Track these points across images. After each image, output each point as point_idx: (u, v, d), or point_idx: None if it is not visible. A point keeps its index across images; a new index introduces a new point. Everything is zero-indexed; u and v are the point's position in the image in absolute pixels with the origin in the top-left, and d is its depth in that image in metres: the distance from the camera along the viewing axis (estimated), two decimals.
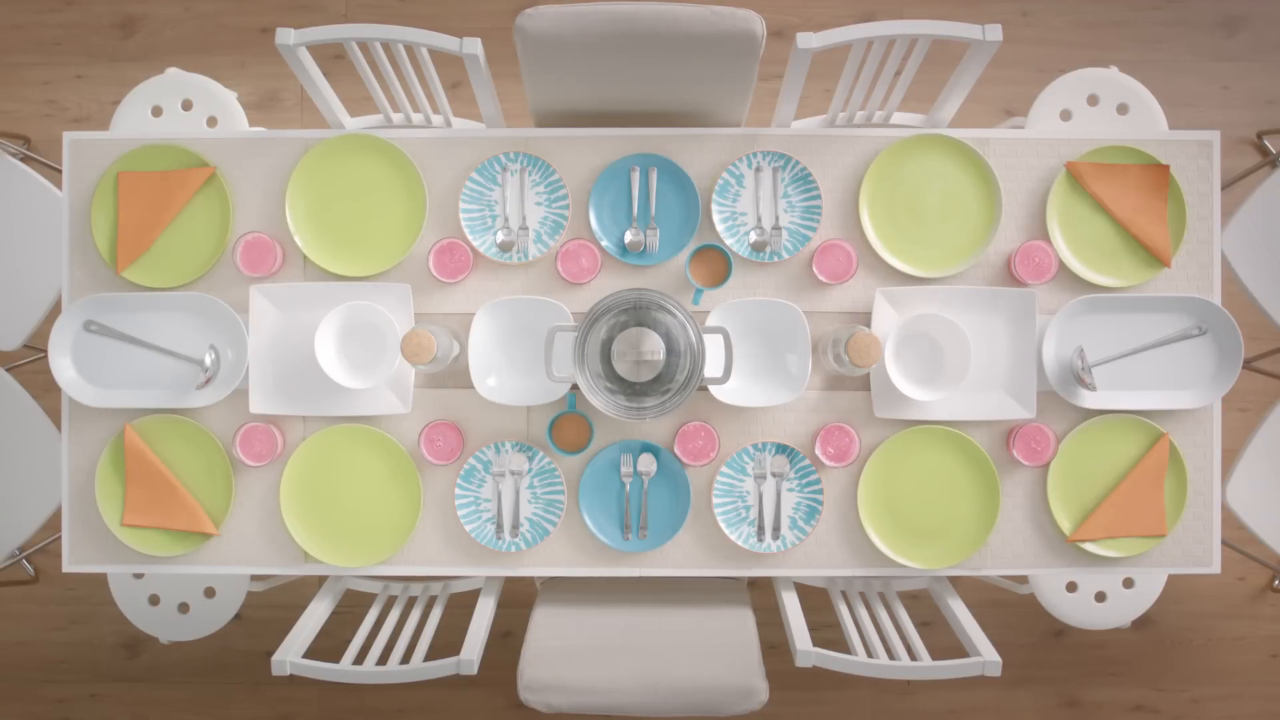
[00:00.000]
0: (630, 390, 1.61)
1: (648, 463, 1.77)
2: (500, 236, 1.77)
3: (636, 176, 1.78)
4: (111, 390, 1.78)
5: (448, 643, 2.45)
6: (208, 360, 1.71)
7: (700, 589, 1.97)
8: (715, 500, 1.77)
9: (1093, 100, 2.08)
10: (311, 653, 2.48)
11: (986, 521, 1.77)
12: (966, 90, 1.77)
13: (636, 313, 1.61)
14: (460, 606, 2.41)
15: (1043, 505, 1.79)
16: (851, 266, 1.74)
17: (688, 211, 1.78)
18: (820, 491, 1.77)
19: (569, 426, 1.76)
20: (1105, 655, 2.59)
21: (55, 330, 1.76)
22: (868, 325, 1.79)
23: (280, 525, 1.79)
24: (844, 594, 1.93)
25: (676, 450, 1.75)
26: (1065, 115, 2.08)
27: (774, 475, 1.77)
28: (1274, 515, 2.07)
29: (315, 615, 1.80)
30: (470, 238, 1.77)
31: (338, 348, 1.72)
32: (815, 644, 2.21)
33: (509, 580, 2.51)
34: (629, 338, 1.60)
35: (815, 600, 2.48)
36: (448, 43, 1.64)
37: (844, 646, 2.52)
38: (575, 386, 1.74)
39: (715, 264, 1.75)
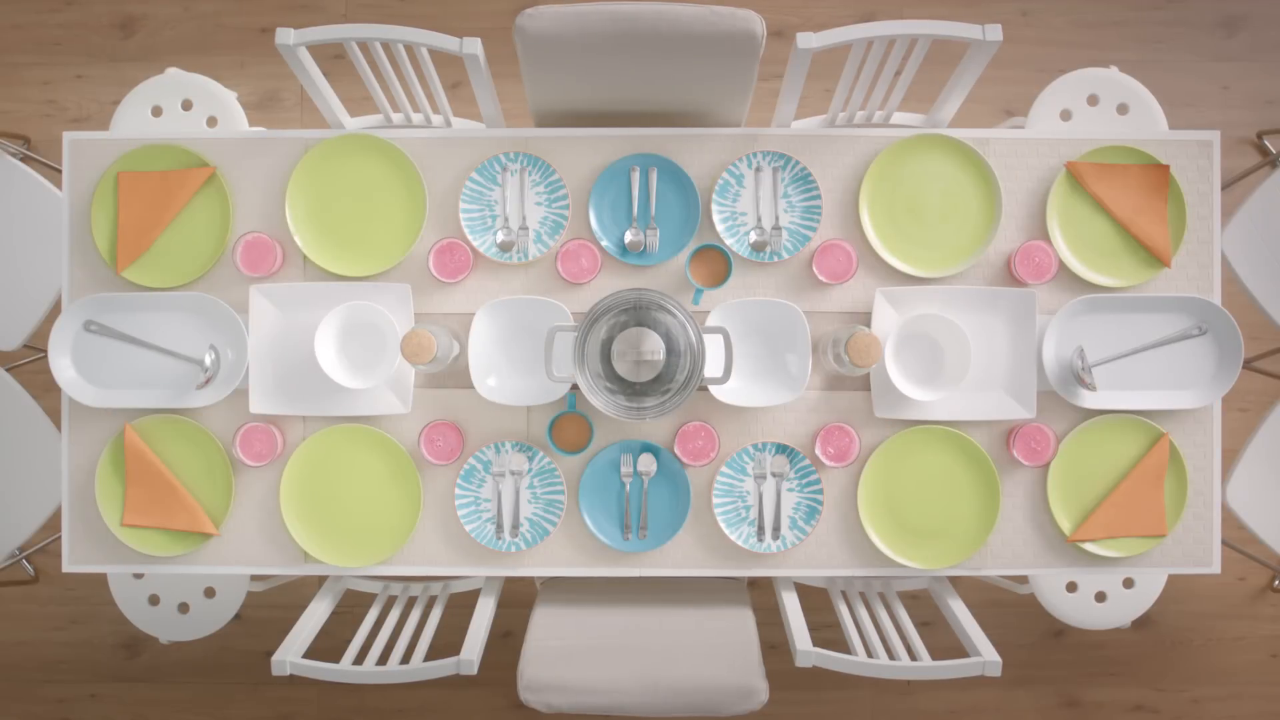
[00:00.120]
0: (630, 390, 1.61)
1: (648, 463, 1.77)
2: (500, 236, 1.77)
3: (636, 176, 1.78)
4: (111, 390, 1.78)
5: (448, 643, 2.45)
6: (208, 360, 1.71)
7: (700, 589, 1.97)
8: (715, 500, 1.77)
9: (1093, 100, 2.08)
10: (311, 653, 2.48)
11: (986, 521, 1.77)
12: (966, 90, 1.77)
13: (636, 313, 1.60)
14: (460, 606, 2.41)
15: (1043, 505, 1.79)
16: (851, 266, 1.74)
17: (688, 211, 1.78)
18: (820, 491, 1.77)
19: (569, 426, 1.76)
20: (1105, 655, 2.59)
21: (55, 330, 1.76)
22: (868, 325, 1.79)
23: (280, 525, 1.79)
24: (844, 594, 1.93)
25: (676, 450, 1.75)
26: (1065, 115, 2.08)
27: (774, 475, 1.77)
28: (1274, 515, 2.07)
29: (315, 615, 1.80)
30: (470, 238, 1.77)
31: (338, 348, 1.72)
32: (815, 644, 2.21)
33: (509, 580, 2.51)
34: (629, 338, 1.60)
35: (815, 600, 2.49)
36: (448, 43, 1.64)
37: (844, 646, 2.52)
38: (575, 386, 1.74)
39: (715, 264, 1.75)
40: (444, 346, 1.63)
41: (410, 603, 2.04)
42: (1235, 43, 2.61)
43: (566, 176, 1.79)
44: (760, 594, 2.57)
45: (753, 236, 1.77)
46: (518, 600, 2.58)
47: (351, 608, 2.56)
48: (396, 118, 2.00)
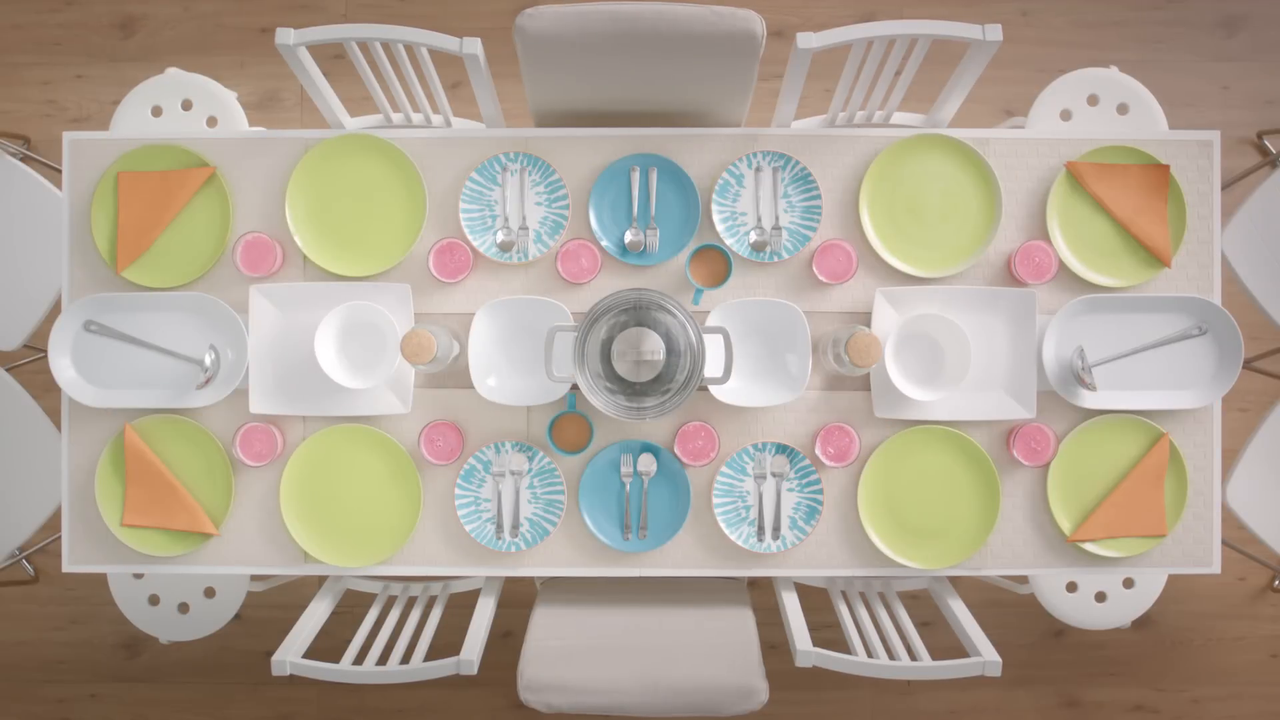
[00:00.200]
0: (630, 390, 1.61)
1: (648, 463, 1.77)
2: (500, 236, 1.77)
3: (636, 176, 1.78)
4: (111, 390, 1.78)
5: (448, 643, 2.45)
6: (208, 360, 1.71)
7: (700, 589, 1.97)
8: (715, 500, 1.77)
9: (1093, 100, 2.08)
10: (311, 653, 2.48)
11: (986, 521, 1.77)
12: (966, 90, 1.77)
13: (636, 313, 1.60)
14: (460, 606, 2.41)
15: (1043, 505, 1.79)
16: (851, 266, 1.74)
17: (688, 211, 1.78)
18: (820, 491, 1.77)
19: (569, 426, 1.76)
20: (1105, 655, 2.59)
21: (55, 330, 1.76)
22: (868, 325, 1.79)
23: (280, 525, 1.79)
24: (844, 594, 1.93)
25: (676, 450, 1.75)
26: (1065, 115, 2.08)
27: (774, 475, 1.77)
28: (1274, 515, 2.07)
29: (315, 615, 1.80)
30: (470, 238, 1.77)
31: (338, 348, 1.72)
32: (815, 644, 2.21)
33: (509, 580, 2.51)
34: (629, 338, 1.60)
35: (815, 600, 2.48)
36: (448, 43, 1.64)
37: (844, 646, 2.52)
38: (575, 386, 1.74)
39: (715, 264, 1.75)
40: (444, 346, 1.63)
41: (410, 603, 2.04)
42: (1235, 43, 2.61)
43: (566, 176, 1.79)
44: (760, 594, 2.57)
45: (753, 236, 1.77)
46: (518, 600, 2.58)
47: (351, 608, 2.56)
48: (396, 118, 2.00)
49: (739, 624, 1.79)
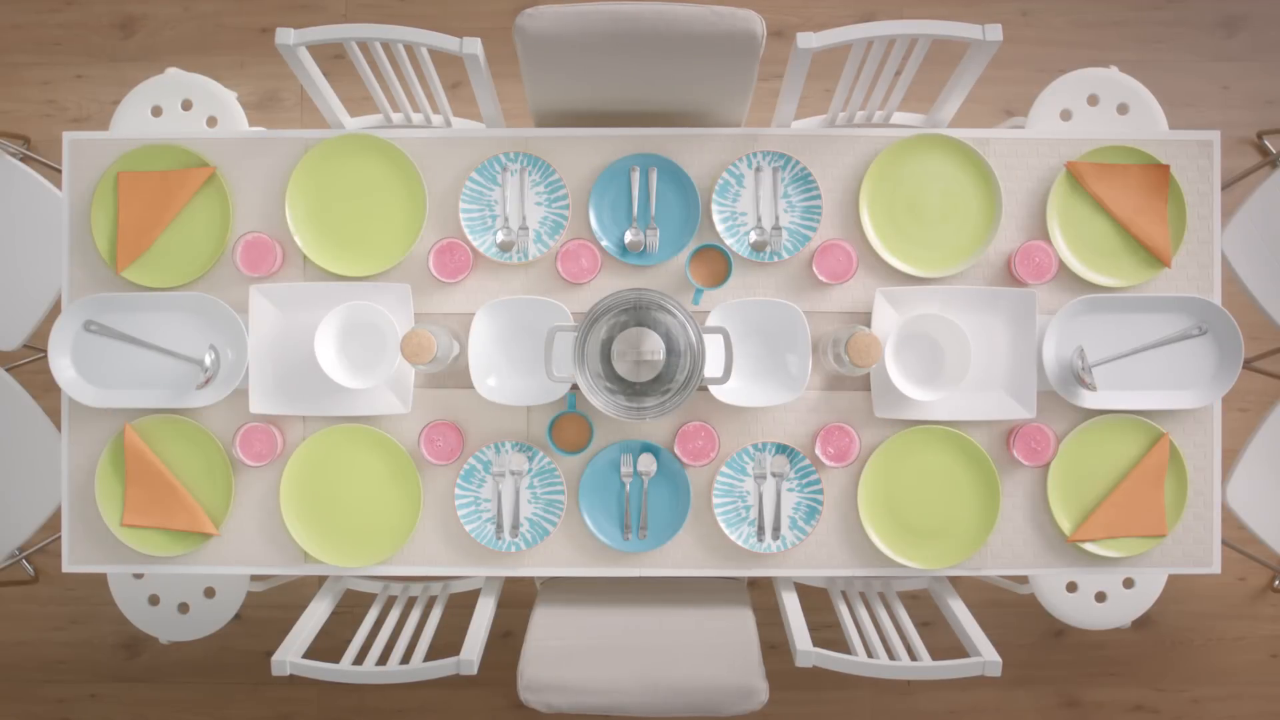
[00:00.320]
0: (630, 390, 1.61)
1: (648, 463, 1.77)
2: (500, 236, 1.77)
3: (636, 176, 1.78)
4: (111, 390, 1.78)
5: (448, 643, 2.45)
6: (208, 360, 1.71)
7: (700, 589, 1.97)
8: (715, 500, 1.77)
9: (1093, 100, 2.08)
10: (311, 653, 2.48)
11: (986, 521, 1.77)
12: (966, 90, 1.77)
13: (636, 313, 1.60)
14: (460, 606, 2.41)
15: (1043, 505, 1.79)
16: (851, 266, 1.74)
17: (688, 211, 1.78)
18: (820, 491, 1.77)
19: (569, 426, 1.76)
20: (1105, 655, 2.59)
21: (55, 330, 1.76)
22: (868, 325, 1.79)
23: (280, 525, 1.79)
24: (844, 594, 1.93)
25: (676, 450, 1.75)
26: (1065, 115, 2.08)
27: (774, 475, 1.77)
28: (1274, 515, 2.07)
29: (315, 615, 1.80)
30: (470, 238, 1.77)
31: (338, 348, 1.72)
32: (815, 644, 2.21)
33: (509, 580, 2.51)
34: (629, 338, 1.60)
35: (815, 600, 2.48)
36: (448, 43, 1.64)
37: (844, 646, 2.52)
38: (575, 386, 1.74)
39: (715, 264, 1.75)
40: (444, 346, 1.63)
41: (410, 603, 2.04)
42: (1235, 43, 2.61)
43: (566, 176, 1.79)
44: (760, 594, 2.57)
45: (753, 236, 1.77)
46: (518, 600, 2.58)
47: (351, 608, 2.56)
48: (396, 118, 2.00)
49: (739, 624, 1.79)
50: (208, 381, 1.71)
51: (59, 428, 1.99)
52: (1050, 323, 1.75)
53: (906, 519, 1.77)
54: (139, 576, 2.08)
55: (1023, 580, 2.25)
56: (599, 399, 1.59)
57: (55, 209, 2.11)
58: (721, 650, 1.70)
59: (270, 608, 2.60)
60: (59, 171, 2.43)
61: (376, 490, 1.78)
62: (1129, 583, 2.05)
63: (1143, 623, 2.58)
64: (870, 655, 1.69)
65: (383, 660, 2.41)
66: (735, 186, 1.78)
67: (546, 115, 1.91)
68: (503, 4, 2.65)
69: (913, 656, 2.39)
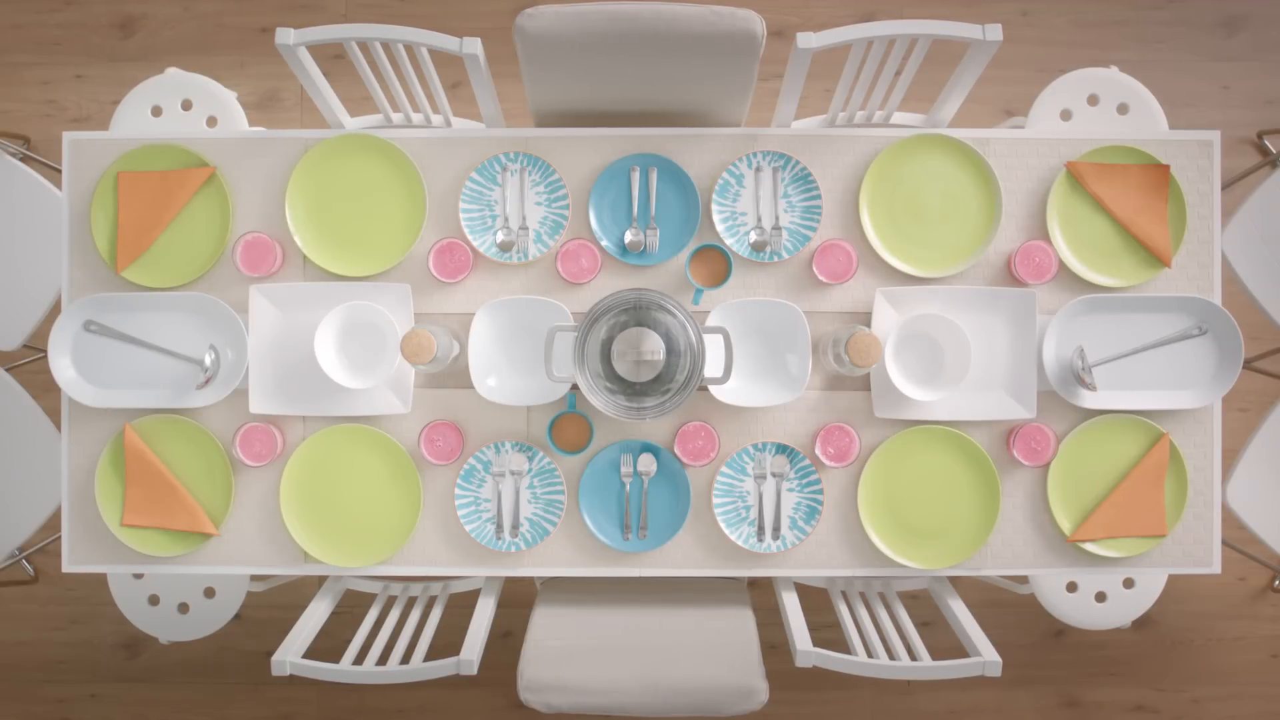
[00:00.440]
0: (630, 390, 1.61)
1: (648, 463, 1.77)
2: (500, 236, 1.77)
3: (636, 176, 1.78)
4: (111, 390, 1.78)
5: (448, 643, 2.45)
6: (208, 360, 1.71)
7: (700, 589, 1.97)
8: (715, 500, 1.77)
9: (1093, 100, 2.08)
10: (311, 653, 2.48)
11: (986, 521, 1.77)
12: (966, 90, 1.77)
13: (636, 313, 1.60)
14: (460, 606, 2.41)
15: (1043, 505, 1.79)
16: (851, 266, 1.74)
17: (688, 211, 1.78)
18: (820, 491, 1.77)
19: (569, 426, 1.76)
20: (1105, 655, 2.59)
21: (55, 330, 1.76)
22: (868, 325, 1.79)
23: (280, 525, 1.79)
24: (844, 594, 1.93)
25: (676, 450, 1.75)
26: (1065, 115, 2.08)
27: (774, 475, 1.77)
28: (1274, 515, 2.07)
29: (315, 615, 1.80)
30: (470, 238, 1.77)
31: (338, 348, 1.72)
32: (815, 644, 2.21)
33: (509, 580, 2.51)
34: (629, 338, 1.60)
35: (815, 600, 2.49)
36: (448, 43, 1.64)
37: (844, 646, 2.52)
38: (575, 386, 1.74)
39: (715, 264, 1.75)
40: (444, 346, 1.63)
41: (410, 603, 2.04)
42: (1235, 43, 2.61)
43: (566, 176, 1.79)
44: (760, 594, 2.57)
45: (753, 236, 1.77)
46: (518, 600, 2.58)
47: (351, 608, 2.56)
48: (396, 118, 2.00)
49: (739, 624, 1.79)
50: (208, 381, 1.71)
51: (59, 428, 1.99)
52: (1050, 323, 1.75)
53: (906, 519, 1.77)
54: (139, 576, 2.08)
55: (1023, 580, 2.25)
56: (599, 399, 1.59)
57: (55, 209, 2.11)
58: (721, 650, 1.70)
59: (270, 608, 2.60)
60: (59, 171, 2.43)
61: (376, 490, 1.78)
62: (1129, 583, 2.05)
63: (1143, 623, 2.58)
64: (870, 655, 1.69)
65: (383, 660, 2.41)
66: (735, 186, 1.78)
67: (546, 115, 1.91)
68: (503, 4, 2.65)
69: (913, 656, 2.39)
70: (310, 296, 1.76)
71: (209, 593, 2.07)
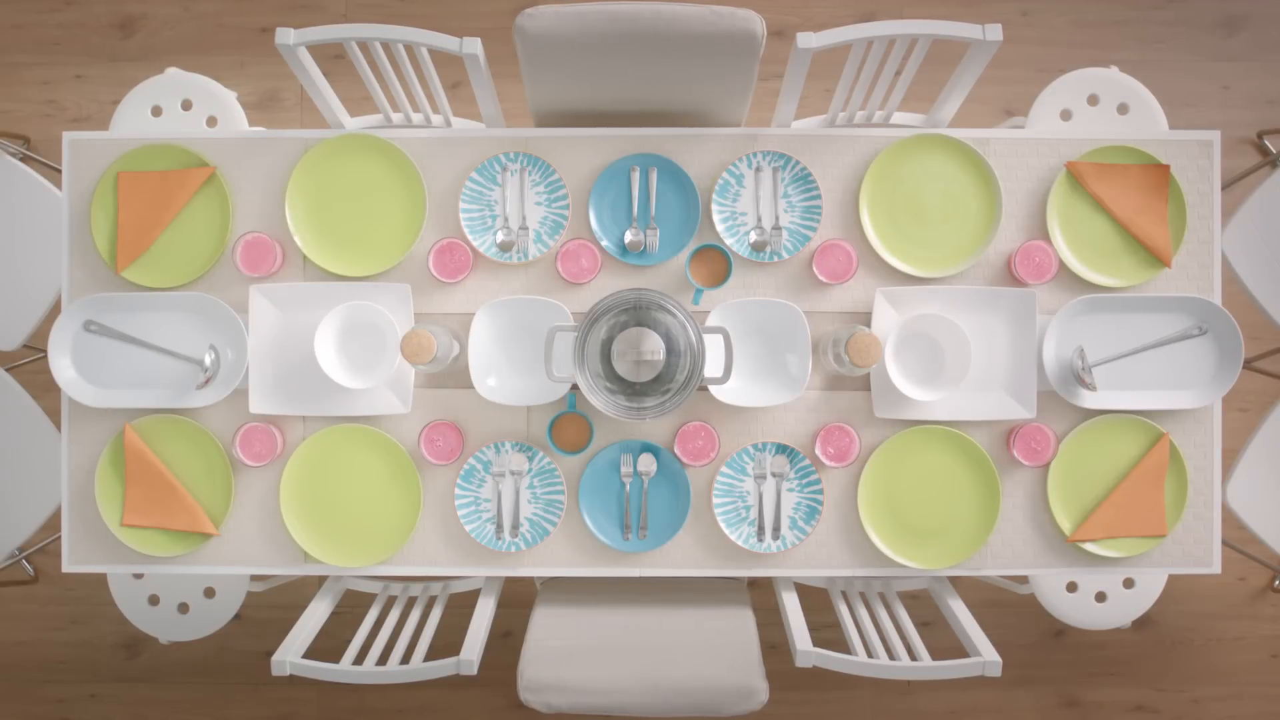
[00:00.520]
0: (630, 390, 1.61)
1: (648, 463, 1.77)
2: (500, 236, 1.77)
3: (636, 176, 1.78)
4: (111, 390, 1.78)
5: (448, 643, 2.45)
6: (207, 360, 1.71)
7: (700, 589, 1.97)
8: (715, 500, 1.77)
9: (1093, 100, 2.08)
10: (311, 653, 2.48)
11: (986, 521, 1.77)
12: (966, 90, 1.77)
13: (636, 313, 1.60)
14: (460, 606, 2.41)
15: (1043, 505, 1.79)
16: (851, 266, 1.74)
17: (688, 211, 1.78)
18: (820, 491, 1.77)
19: (569, 426, 1.76)
20: (1105, 655, 2.59)
21: (55, 330, 1.76)
22: (868, 325, 1.79)
23: (280, 525, 1.79)
24: (844, 594, 1.93)
25: (676, 450, 1.75)
26: (1065, 115, 2.08)
27: (774, 475, 1.77)
28: (1274, 515, 2.07)
29: (315, 615, 1.80)
30: (470, 238, 1.77)
31: (338, 348, 1.72)
32: (815, 644, 2.21)
33: (509, 580, 2.51)
34: (629, 338, 1.60)
35: (815, 600, 2.49)
36: (448, 43, 1.64)
37: (844, 646, 2.52)
38: (575, 386, 1.74)
39: (715, 264, 1.75)
40: (444, 346, 1.63)
41: (410, 603, 2.04)
42: (1235, 43, 2.61)
43: (566, 176, 1.79)
44: (760, 594, 2.57)
45: (753, 236, 1.77)
46: (518, 600, 2.58)
47: (351, 608, 2.56)
48: (396, 118, 2.00)
49: (739, 624, 1.79)
50: (208, 381, 1.71)
51: (59, 428, 1.99)
52: (1050, 323, 1.75)
53: (906, 519, 1.77)
54: (139, 576, 2.08)
55: (1023, 580, 2.25)
56: (599, 399, 1.59)
57: (55, 209, 2.11)
58: (721, 650, 1.70)
59: (270, 608, 2.60)
60: (59, 171, 2.43)
61: (376, 490, 1.78)
62: (1129, 583, 2.05)
63: (1143, 623, 2.58)
64: (870, 655, 1.69)
65: (383, 660, 2.41)
66: (735, 186, 1.78)
67: (546, 115, 1.91)
68: (503, 4, 2.65)
69: (913, 656, 2.39)
70: (310, 296, 1.76)
71: (209, 593, 2.07)
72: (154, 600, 2.08)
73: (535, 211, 1.79)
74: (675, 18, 1.58)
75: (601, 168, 1.79)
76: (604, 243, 1.77)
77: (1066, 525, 1.78)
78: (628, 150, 1.80)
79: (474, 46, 1.63)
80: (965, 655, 2.52)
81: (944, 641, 2.55)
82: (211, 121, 2.12)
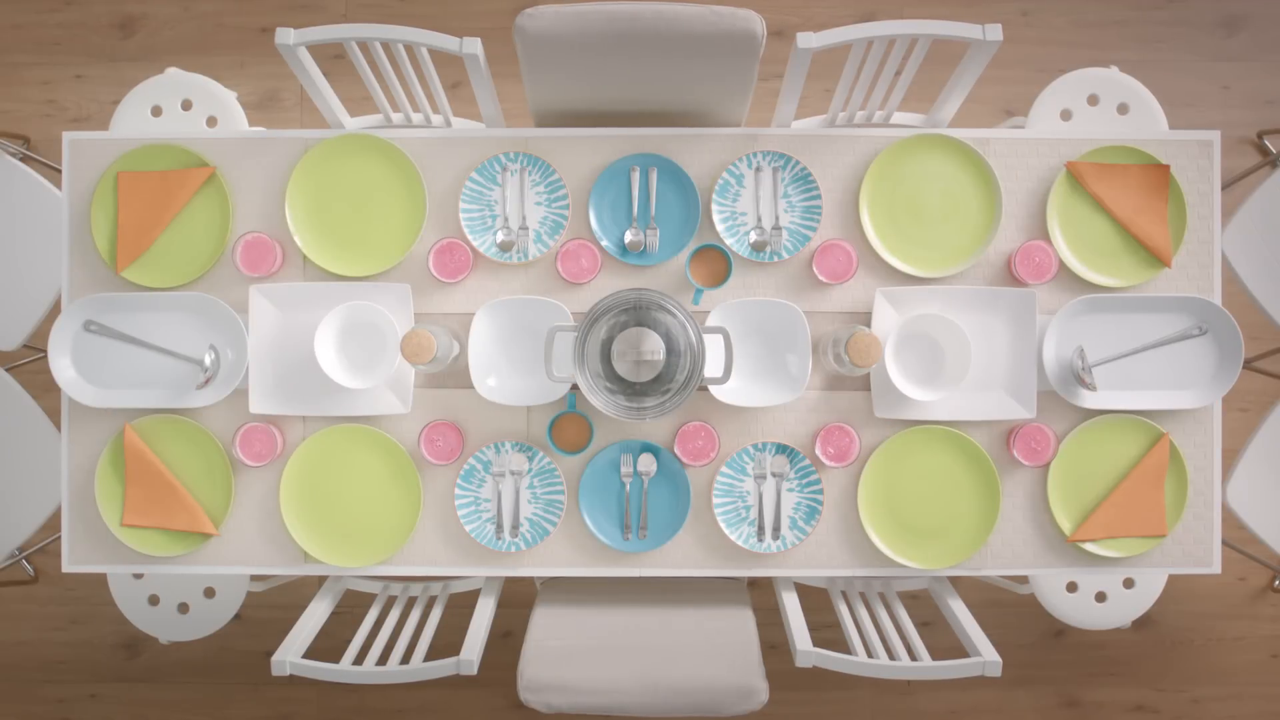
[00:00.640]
0: (630, 390, 1.61)
1: (648, 463, 1.77)
2: (500, 236, 1.77)
3: (636, 176, 1.78)
4: (111, 390, 1.78)
5: (448, 643, 2.45)
6: (207, 360, 1.71)
7: (700, 589, 1.97)
8: (715, 500, 1.77)
9: (1093, 100, 2.08)
10: (311, 653, 2.48)
11: (986, 521, 1.77)
12: (966, 90, 1.77)
13: (636, 313, 1.61)
14: (460, 606, 2.41)
15: (1043, 505, 1.79)
16: (851, 266, 1.74)
17: (688, 211, 1.78)
18: (820, 491, 1.77)
19: (569, 426, 1.76)
20: (1105, 655, 2.59)
21: (55, 330, 1.76)
22: (868, 325, 1.79)
23: (280, 525, 1.79)
24: (844, 594, 1.93)
25: (676, 450, 1.75)
26: (1065, 115, 2.08)
27: (774, 475, 1.77)
28: (1274, 515, 2.07)
29: (315, 615, 1.80)
30: (470, 238, 1.77)
31: (337, 348, 1.72)
32: (815, 644, 2.21)
33: (509, 580, 2.51)
34: (629, 338, 1.60)
35: (815, 600, 2.49)
36: (448, 43, 1.64)
37: (844, 646, 2.52)
38: (575, 386, 1.74)
39: (715, 264, 1.75)
40: (444, 346, 1.63)
41: (410, 603, 2.04)
42: (1235, 43, 2.61)
43: (566, 176, 1.79)
44: (760, 594, 2.57)
45: (753, 236, 1.77)
46: (518, 600, 2.58)
47: (351, 608, 2.56)
48: (396, 118, 2.00)
49: (739, 624, 1.79)
50: (208, 381, 1.71)
51: (59, 428, 1.99)
52: (1050, 323, 1.75)
53: (906, 519, 1.77)
54: (139, 576, 2.08)
55: (1023, 580, 2.25)
56: (599, 399, 1.59)
57: (55, 209, 2.11)
58: (721, 650, 1.70)
59: (270, 608, 2.60)
60: (59, 171, 2.43)
61: (376, 490, 1.78)
62: (1129, 583, 2.05)
63: (1143, 623, 2.58)
64: (870, 655, 1.69)
65: (383, 660, 2.41)
66: (735, 186, 1.78)
67: (546, 115, 1.91)
68: (503, 4, 2.65)
69: (913, 656, 2.39)
70: (310, 296, 1.76)
71: (209, 593, 2.07)
72: (154, 600, 2.08)
73: (535, 211, 1.79)
74: (675, 18, 1.58)
75: (601, 168, 1.79)
76: (604, 243, 1.77)
77: (1066, 525, 1.78)
78: (628, 150, 1.80)
79: (474, 46, 1.63)
80: (965, 655, 2.52)
81: (944, 641, 2.55)
82: (211, 121, 2.12)
